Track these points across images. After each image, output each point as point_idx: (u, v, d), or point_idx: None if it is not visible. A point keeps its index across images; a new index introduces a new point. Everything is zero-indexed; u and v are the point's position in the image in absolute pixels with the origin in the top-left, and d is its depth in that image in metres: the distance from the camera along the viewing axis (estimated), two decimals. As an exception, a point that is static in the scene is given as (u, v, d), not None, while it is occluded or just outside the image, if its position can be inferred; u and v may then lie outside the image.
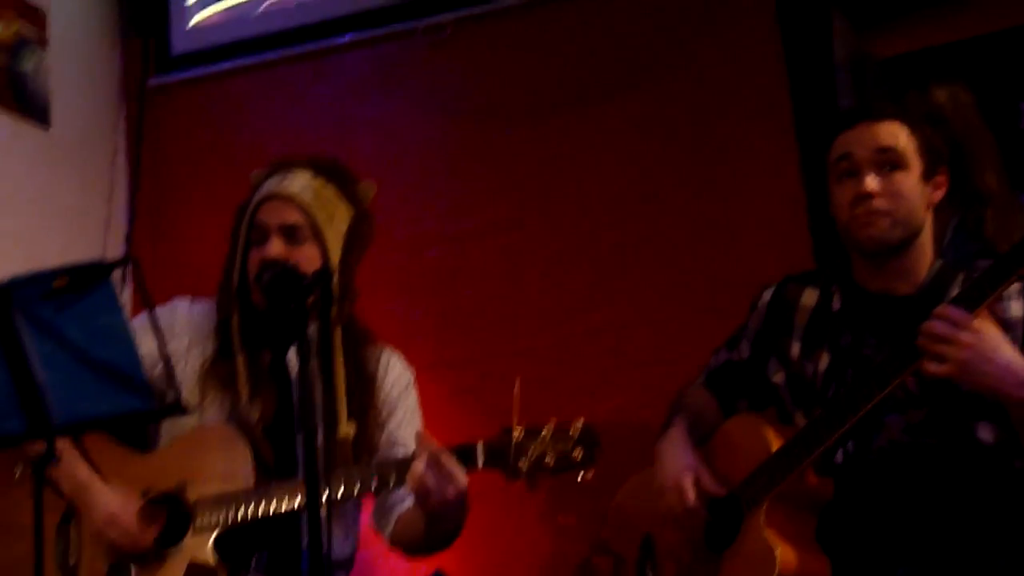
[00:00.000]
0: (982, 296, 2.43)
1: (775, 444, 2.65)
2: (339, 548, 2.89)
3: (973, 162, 3.32)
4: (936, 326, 2.43)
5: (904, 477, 2.61)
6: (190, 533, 2.65)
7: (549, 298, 3.84)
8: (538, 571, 3.66)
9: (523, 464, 2.54)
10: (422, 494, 2.56)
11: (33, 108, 3.97)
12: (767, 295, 2.90)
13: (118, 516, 2.67)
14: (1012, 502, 2.56)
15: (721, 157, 3.75)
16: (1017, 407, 2.46)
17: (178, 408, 2.33)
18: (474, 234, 3.92)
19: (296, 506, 2.61)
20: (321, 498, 2.31)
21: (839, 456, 2.65)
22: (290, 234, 2.79)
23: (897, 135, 2.67)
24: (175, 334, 2.87)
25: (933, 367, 2.43)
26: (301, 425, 2.49)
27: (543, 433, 2.56)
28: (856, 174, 2.66)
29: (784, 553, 2.57)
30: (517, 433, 2.56)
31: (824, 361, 2.73)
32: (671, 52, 3.85)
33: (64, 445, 2.63)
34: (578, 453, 2.54)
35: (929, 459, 2.59)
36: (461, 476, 2.56)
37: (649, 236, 3.78)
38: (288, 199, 2.79)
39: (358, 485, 2.63)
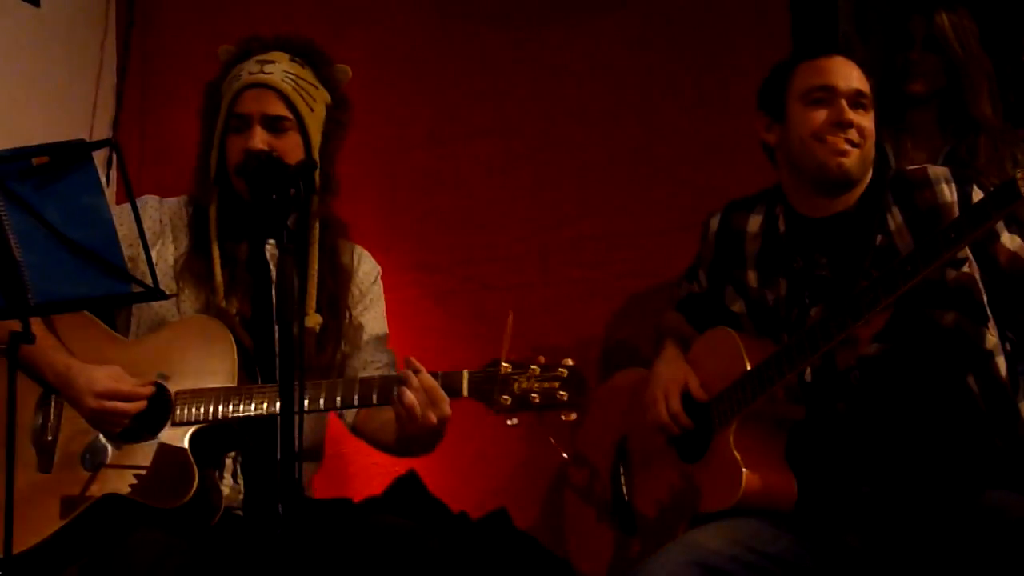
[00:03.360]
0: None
1: (749, 362, 2.69)
2: (310, 441, 2.91)
3: (969, 90, 3.31)
4: None
5: (871, 391, 2.65)
6: (168, 424, 2.65)
7: (535, 206, 3.82)
8: (509, 475, 3.69)
9: (508, 399, 2.55)
10: (405, 418, 2.58)
11: (23, -15, 3.90)
12: (714, 223, 2.94)
13: (108, 388, 2.63)
14: (978, 386, 2.62)
15: (716, 75, 3.72)
16: None
17: (157, 292, 2.32)
18: (462, 137, 3.89)
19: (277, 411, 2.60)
20: (297, 403, 2.32)
21: (808, 375, 2.68)
22: (272, 125, 2.76)
23: (864, 80, 2.76)
24: (145, 229, 2.83)
25: None
26: (278, 319, 2.49)
27: (531, 369, 2.56)
28: (832, 104, 2.71)
29: (749, 472, 2.62)
30: (505, 366, 2.56)
31: (783, 287, 2.77)
32: (671, -35, 3.80)
33: (41, 333, 2.60)
34: (564, 394, 2.55)
35: (895, 364, 2.64)
36: (445, 405, 2.59)
37: (639, 149, 3.76)
38: (269, 88, 2.76)
39: (339, 399, 2.65)
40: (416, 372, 2.59)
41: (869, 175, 2.74)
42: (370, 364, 2.92)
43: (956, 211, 2.60)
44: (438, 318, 3.80)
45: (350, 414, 2.92)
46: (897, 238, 2.66)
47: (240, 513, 2.74)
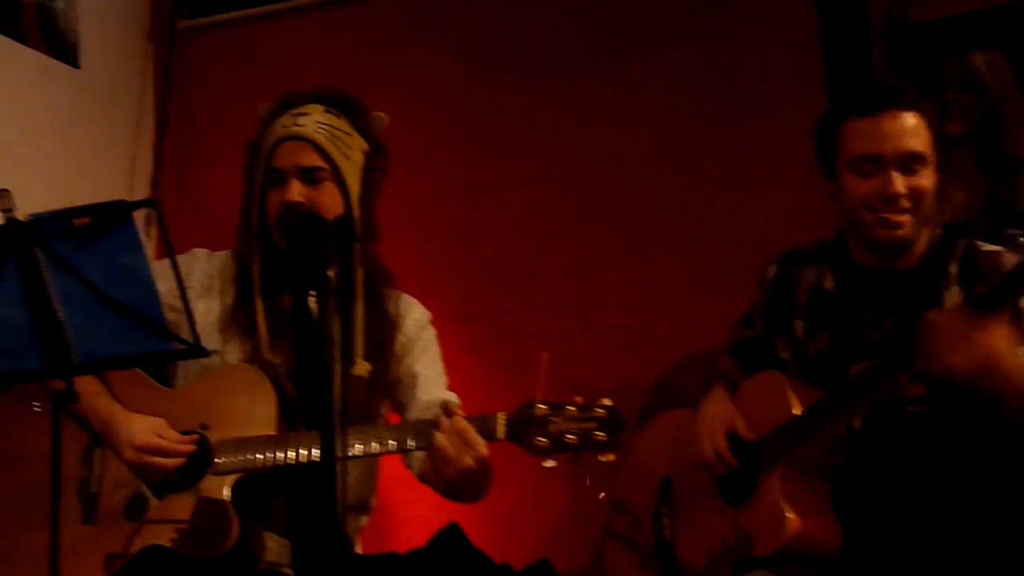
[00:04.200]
0: (1001, 299, 2.38)
1: (796, 407, 2.66)
2: (358, 490, 2.91)
3: (1006, 129, 3.30)
4: (948, 325, 2.39)
5: (915, 445, 2.62)
6: (208, 475, 2.65)
7: (572, 254, 3.83)
8: (551, 525, 3.67)
9: (544, 441, 2.50)
10: (440, 461, 2.55)
11: (63, 47, 3.96)
12: (771, 271, 2.91)
13: (149, 442, 2.63)
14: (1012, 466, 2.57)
15: (751, 119, 3.72)
16: (1014, 415, 2.46)
17: (197, 350, 2.33)
18: (498, 187, 3.91)
19: (316, 457, 2.59)
20: (337, 452, 2.33)
21: (857, 422, 2.65)
22: (308, 176, 2.77)
23: (920, 132, 2.63)
24: (192, 282, 2.86)
25: (948, 360, 2.39)
26: (321, 369, 2.50)
27: (568, 409, 2.52)
28: (880, 174, 2.62)
29: (794, 517, 2.59)
30: (541, 407, 2.52)
31: (825, 341, 2.74)
32: (705, 11, 3.82)
33: (87, 379, 2.62)
34: (602, 435, 2.49)
35: (935, 428, 2.60)
36: (480, 446, 2.54)
37: (674, 195, 3.76)
38: (303, 140, 2.78)
39: (376, 445, 2.63)
40: (450, 415, 2.56)
41: (927, 232, 2.68)
42: (429, 412, 2.91)
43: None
44: (477, 368, 3.80)
45: (417, 463, 2.90)
46: None
47: (287, 572, 2.73)
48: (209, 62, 4.30)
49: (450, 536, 3.36)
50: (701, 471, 2.81)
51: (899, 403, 2.60)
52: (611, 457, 2.51)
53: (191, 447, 2.64)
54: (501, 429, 2.55)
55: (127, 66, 4.21)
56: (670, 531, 2.92)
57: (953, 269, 2.63)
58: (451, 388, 3.47)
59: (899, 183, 2.61)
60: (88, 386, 2.64)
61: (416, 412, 2.88)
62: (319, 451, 2.24)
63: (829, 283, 2.77)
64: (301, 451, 2.61)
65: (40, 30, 3.87)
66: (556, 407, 2.52)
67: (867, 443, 2.64)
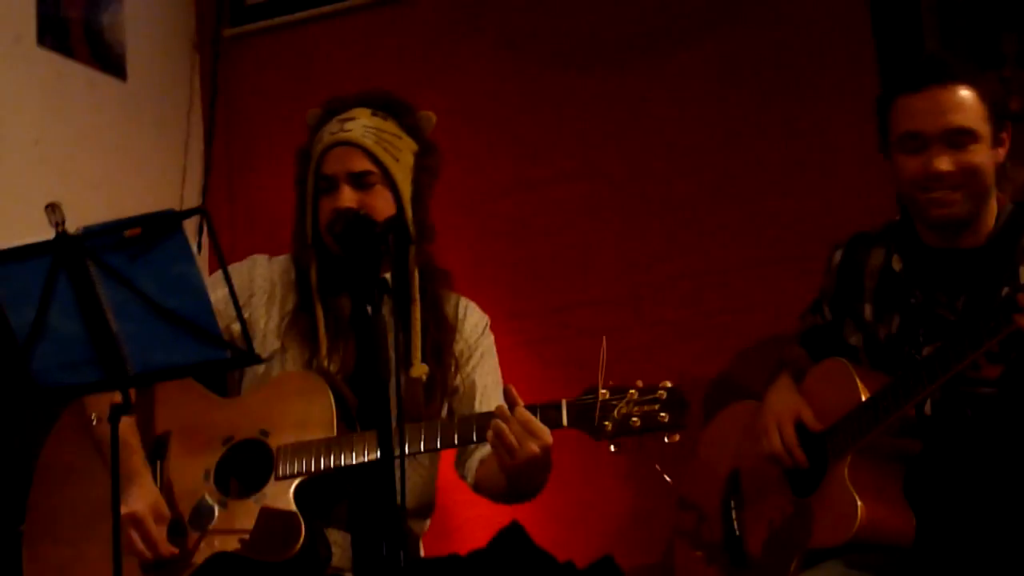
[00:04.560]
0: None
1: (863, 393, 2.62)
2: (419, 495, 2.90)
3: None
4: None
5: (988, 429, 2.57)
6: (272, 481, 2.65)
7: (624, 247, 3.79)
8: (615, 524, 3.64)
9: (608, 425, 2.53)
10: (504, 451, 2.55)
11: (110, 61, 3.98)
12: (837, 256, 2.88)
13: (143, 519, 2.64)
14: None
15: (801, 103, 3.67)
16: None
17: (252, 357, 2.33)
18: (548, 182, 3.88)
19: (376, 457, 2.58)
20: (396, 451, 2.34)
21: (927, 408, 2.60)
22: (359, 181, 2.78)
23: (967, 106, 2.57)
24: (255, 289, 2.88)
25: None
26: (378, 374, 2.50)
27: (630, 393, 2.54)
28: (924, 151, 2.59)
29: (865, 506, 2.55)
30: (603, 393, 2.54)
31: (895, 323, 2.70)
32: (751, -6, 3.77)
33: (128, 424, 2.65)
34: (665, 416, 2.51)
35: (1009, 411, 2.54)
36: (545, 434, 2.55)
37: (726, 183, 3.71)
38: (351, 145, 2.77)
39: (438, 440, 2.63)
40: (513, 405, 2.55)
41: (994, 206, 2.63)
42: None
43: None
44: (533, 365, 3.77)
45: (471, 472, 2.89)
46: None
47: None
48: (255, 69, 4.29)
49: (512, 535, 3.34)
50: (769, 463, 2.78)
51: (972, 386, 2.55)
52: (676, 438, 2.53)
53: (171, 550, 2.64)
54: (565, 415, 2.56)
55: (174, 76, 4.22)
56: (739, 525, 2.89)
57: None
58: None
59: (943, 161, 2.57)
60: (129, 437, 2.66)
61: None
62: (379, 451, 2.27)
63: (897, 264, 2.72)
64: (361, 452, 2.61)
65: (87, 44, 3.89)
66: (618, 391, 2.54)
67: (939, 428, 2.59)
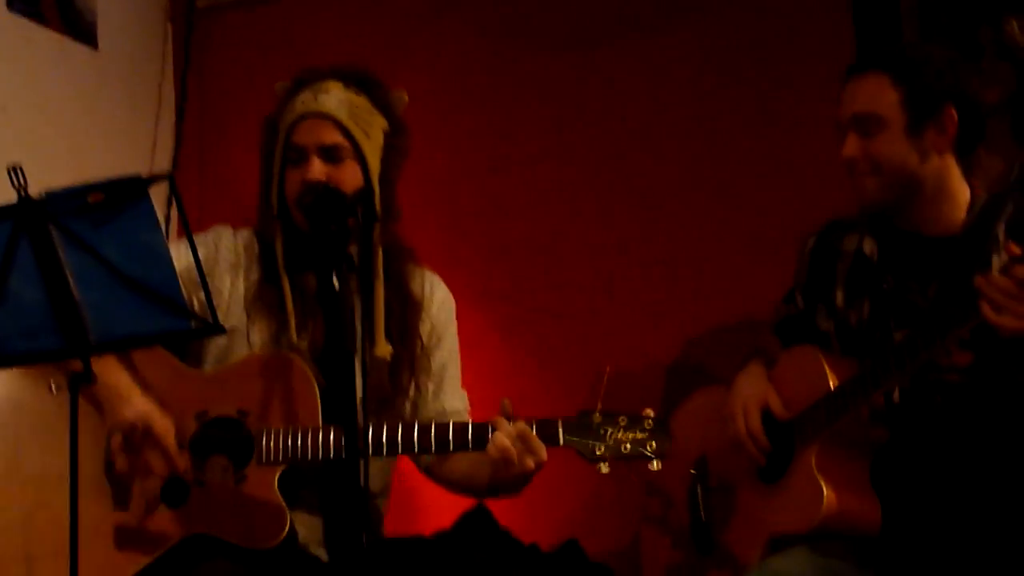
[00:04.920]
0: None
1: (832, 381, 2.62)
2: (383, 476, 2.90)
3: (1044, 95, 3.23)
4: (1007, 284, 2.31)
5: (957, 417, 2.56)
6: (253, 464, 2.62)
7: (598, 230, 3.77)
8: (581, 509, 3.62)
9: (601, 449, 2.63)
10: (503, 463, 2.61)
11: (81, 28, 3.93)
12: (811, 243, 2.88)
13: (155, 421, 2.61)
14: None
15: (779, 90, 3.65)
16: None
17: (216, 328, 2.29)
18: (522, 163, 3.85)
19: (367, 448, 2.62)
20: (369, 440, 2.56)
21: (896, 395, 2.60)
22: (329, 154, 2.74)
23: (877, 93, 2.60)
24: (220, 259, 2.83)
25: (1003, 320, 2.31)
26: (344, 351, 2.50)
27: (619, 420, 2.65)
28: (844, 137, 2.64)
29: (831, 493, 2.55)
30: (597, 417, 2.64)
31: (866, 309, 2.70)
32: (730, -21, 3.75)
33: (109, 364, 2.60)
34: (652, 444, 2.64)
35: (978, 400, 2.54)
36: (542, 451, 2.62)
37: (702, 168, 3.70)
38: (324, 117, 2.73)
39: (434, 443, 2.65)
40: (511, 419, 2.63)
41: (959, 194, 2.63)
42: (447, 411, 2.90)
43: None
44: (503, 347, 3.76)
45: (438, 464, 2.89)
46: None
47: (315, 552, 2.71)
48: (229, 41, 4.25)
49: (478, 518, 3.33)
50: (736, 450, 2.77)
51: (941, 374, 2.55)
52: (659, 466, 2.64)
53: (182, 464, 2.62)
54: (562, 436, 2.65)
55: (146, 46, 4.17)
56: (705, 511, 2.88)
57: (1000, 232, 2.57)
58: (477, 367, 3.46)
59: (849, 146, 2.61)
60: (107, 365, 2.60)
61: (434, 406, 2.89)
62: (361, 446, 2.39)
63: (869, 248, 2.72)
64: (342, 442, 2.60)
65: (58, 10, 3.84)
66: (609, 417, 2.65)
67: (907, 416, 2.59)
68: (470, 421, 2.71)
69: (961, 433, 2.56)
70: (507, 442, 2.59)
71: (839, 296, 2.76)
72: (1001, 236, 2.57)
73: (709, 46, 3.72)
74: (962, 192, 2.65)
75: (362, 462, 2.52)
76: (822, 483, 2.55)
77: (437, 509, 3.51)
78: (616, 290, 3.72)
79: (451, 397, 2.92)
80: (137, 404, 2.62)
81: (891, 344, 2.60)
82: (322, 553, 2.72)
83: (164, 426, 2.61)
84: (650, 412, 2.65)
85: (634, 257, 3.72)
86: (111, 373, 2.63)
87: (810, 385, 2.65)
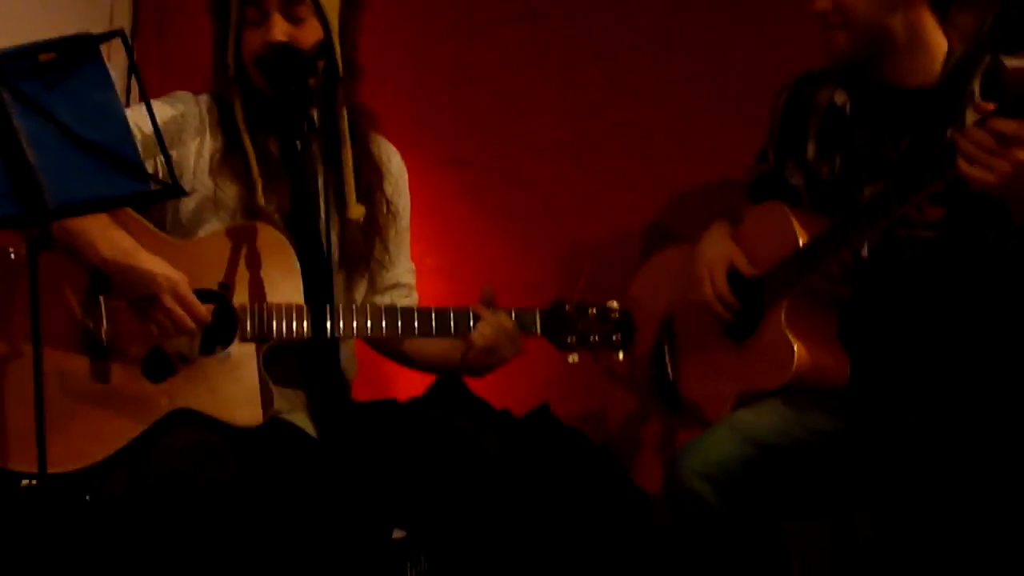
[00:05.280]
0: None
1: (801, 237, 2.61)
2: (351, 347, 2.90)
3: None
4: (983, 137, 2.28)
5: (926, 272, 2.56)
6: (236, 341, 2.60)
7: (568, 94, 3.71)
8: (553, 373, 3.62)
9: (572, 339, 2.77)
10: (486, 350, 2.70)
11: None
12: (783, 96, 2.84)
13: (178, 281, 2.54)
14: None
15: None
16: None
17: (177, 190, 2.24)
18: (490, 25, 3.77)
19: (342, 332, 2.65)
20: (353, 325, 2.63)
21: (864, 251, 2.59)
22: (289, 13, 2.66)
23: None
24: (185, 126, 2.76)
25: (977, 174, 2.28)
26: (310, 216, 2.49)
27: (589, 312, 2.78)
28: None
29: (802, 349, 2.56)
30: (569, 307, 2.77)
31: (838, 162, 2.68)
32: None
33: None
34: (618, 336, 2.80)
35: (949, 254, 2.53)
36: (521, 341, 2.75)
37: (674, 31, 3.63)
38: None
39: (416, 327, 2.71)
40: (492, 307, 2.71)
41: (933, 44, 2.59)
42: (399, 284, 2.91)
43: None
44: (470, 213, 3.73)
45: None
46: None
47: (290, 419, 2.71)
48: None
49: (449, 384, 3.35)
50: (704, 310, 2.77)
51: (912, 228, 2.53)
52: (623, 356, 2.82)
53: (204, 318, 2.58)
54: (539, 327, 2.77)
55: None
56: (672, 369, 2.89)
57: (976, 87, 2.53)
58: (446, 238, 3.45)
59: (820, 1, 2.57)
60: (98, 219, 2.53)
61: (383, 284, 2.90)
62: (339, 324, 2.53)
63: (841, 99, 2.68)
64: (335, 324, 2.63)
65: None
66: (580, 308, 2.78)
67: (876, 271, 2.58)
68: (451, 308, 2.72)
69: (930, 287, 2.56)
70: (490, 333, 2.68)
71: (810, 149, 2.73)
72: (977, 91, 2.53)
73: None
74: (938, 44, 2.61)
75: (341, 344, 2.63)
76: (793, 340, 2.56)
77: (409, 377, 3.52)
78: (586, 155, 3.69)
79: (403, 269, 2.93)
80: (154, 262, 2.55)
81: (862, 198, 2.58)
82: (303, 422, 2.72)
83: (186, 285, 2.55)
84: (615, 304, 2.78)
85: (606, 121, 3.67)
86: (109, 228, 2.56)
87: (778, 242, 2.64)
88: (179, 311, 2.53)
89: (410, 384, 3.39)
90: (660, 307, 2.96)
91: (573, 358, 2.77)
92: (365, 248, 2.80)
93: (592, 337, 2.77)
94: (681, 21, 3.62)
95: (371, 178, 2.82)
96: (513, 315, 2.73)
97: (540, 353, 3.41)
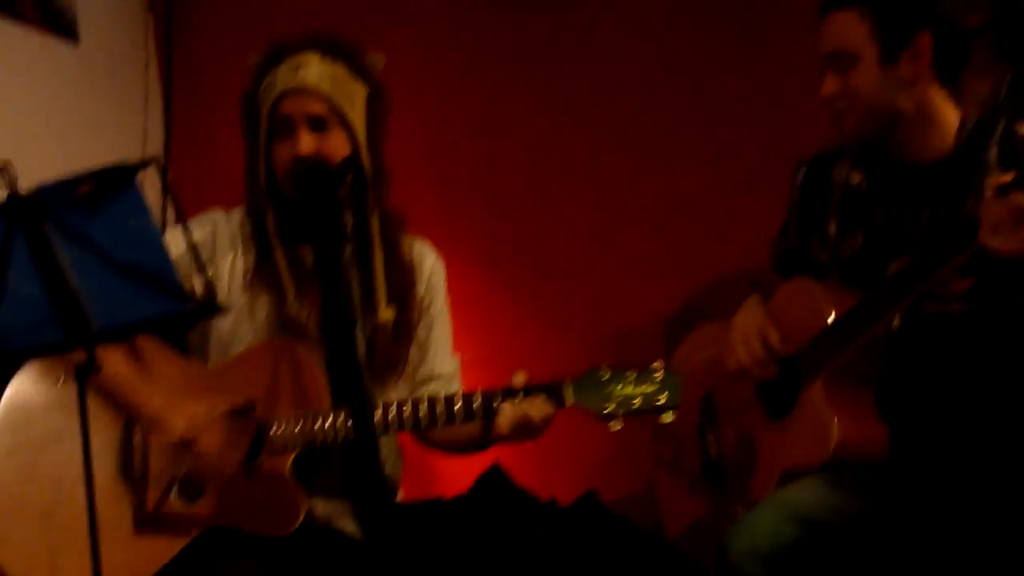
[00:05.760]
0: None
1: (832, 313, 2.62)
2: (395, 448, 2.93)
3: (1024, 12, 3.20)
4: (1003, 210, 2.29)
5: (959, 344, 2.57)
6: (265, 452, 2.62)
7: (592, 181, 3.78)
8: (596, 460, 3.64)
9: (611, 406, 2.63)
10: (516, 430, 2.65)
11: (61, 24, 3.91)
12: (801, 174, 2.88)
13: (203, 428, 2.62)
14: None
15: (766, 28, 3.64)
16: None
17: (213, 307, 2.29)
18: (512, 120, 3.85)
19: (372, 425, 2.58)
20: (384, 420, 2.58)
21: (896, 322, 2.59)
22: (317, 124, 2.73)
23: (846, 28, 2.60)
24: (218, 243, 2.83)
25: (1000, 244, 2.29)
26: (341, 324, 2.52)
27: (628, 375, 2.65)
28: (824, 75, 2.65)
29: (842, 424, 2.56)
30: (605, 373, 2.64)
31: (860, 240, 2.70)
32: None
33: (119, 361, 2.61)
34: (662, 397, 2.64)
35: (980, 324, 2.54)
36: (551, 415, 2.66)
37: (692, 112, 3.70)
38: (309, 92, 2.73)
39: (445, 414, 2.66)
40: (516, 393, 2.65)
41: (944, 118, 2.62)
42: (438, 375, 2.92)
43: None
44: (504, 307, 3.77)
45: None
46: None
47: (336, 527, 2.73)
48: (210, 23, 4.23)
49: (493, 478, 3.34)
50: (742, 384, 2.77)
51: (940, 302, 2.54)
52: (671, 417, 2.64)
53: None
54: (571, 397, 2.65)
55: (128, 37, 4.16)
56: (715, 447, 2.89)
57: (993, 154, 2.56)
58: (479, 330, 3.47)
59: (827, 85, 2.62)
60: (117, 366, 2.62)
61: (424, 371, 2.90)
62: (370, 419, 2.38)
63: (857, 180, 2.71)
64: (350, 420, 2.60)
65: (37, 8, 3.82)
66: (617, 372, 2.64)
67: (908, 344, 2.59)
68: (479, 392, 2.69)
69: (962, 357, 2.57)
70: (518, 410, 2.63)
71: (832, 228, 2.76)
72: (993, 157, 2.56)
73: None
74: (948, 117, 2.64)
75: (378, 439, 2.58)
76: (832, 417, 2.57)
77: (453, 474, 3.53)
78: (614, 240, 3.73)
79: (442, 361, 2.93)
80: (181, 416, 2.63)
81: (887, 275, 2.60)
82: (351, 527, 2.74)
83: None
84: (659, 364, 2.64)
85: (631, 205, 3.71)
86: (137, 383, 2.65)
87: (809, 318, 2.65)
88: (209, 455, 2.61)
89: (456, 479, 3.40)
90: (698, 385, 2.96)
91: (615, 426, 2.65)
92: (397, 349, 2.82)
93: (634, 402, 2.64)
94: (699, 102, 3.69)
95: (403, 280, 2.84)
96: (543, 392, 2.64)
97: (585, 434, 3.45)
